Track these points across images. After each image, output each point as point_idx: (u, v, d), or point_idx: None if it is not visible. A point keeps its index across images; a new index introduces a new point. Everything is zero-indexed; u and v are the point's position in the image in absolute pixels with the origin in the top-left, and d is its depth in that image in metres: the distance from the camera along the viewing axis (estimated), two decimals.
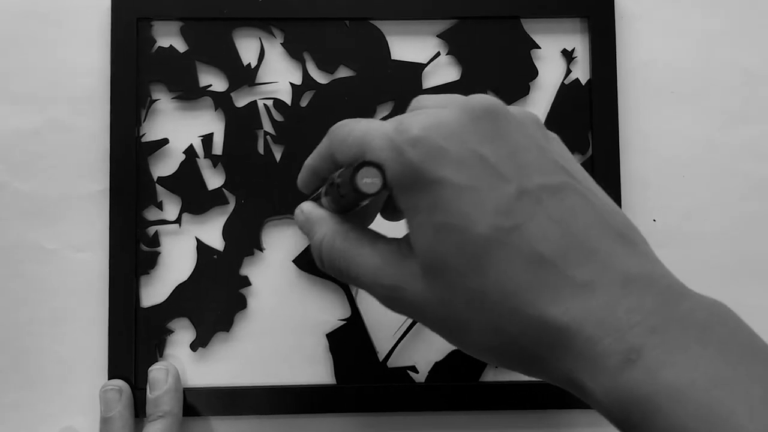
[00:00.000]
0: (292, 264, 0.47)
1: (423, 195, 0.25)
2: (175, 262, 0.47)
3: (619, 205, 0.47)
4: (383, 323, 0.47)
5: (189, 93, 0.47)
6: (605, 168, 0.47)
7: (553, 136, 0.29)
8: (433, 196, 0.24)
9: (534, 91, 0.48)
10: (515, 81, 0.48)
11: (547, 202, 0.24)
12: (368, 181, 0.25)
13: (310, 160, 0.33)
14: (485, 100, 0.26)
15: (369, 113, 0.47)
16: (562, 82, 0.48)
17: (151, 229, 0.47)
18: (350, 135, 0.28)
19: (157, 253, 0.47)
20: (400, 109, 0.47)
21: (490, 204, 0.24)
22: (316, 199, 0.36)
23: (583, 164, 0.47)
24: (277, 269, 0.47)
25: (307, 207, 0.33)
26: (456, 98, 0.28)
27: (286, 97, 0.48)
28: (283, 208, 0.47)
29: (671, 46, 0.49)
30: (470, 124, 0.25)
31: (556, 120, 0.48)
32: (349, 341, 0.47)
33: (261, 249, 0.47)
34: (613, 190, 0.47)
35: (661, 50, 0.49)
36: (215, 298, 0.47)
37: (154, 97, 0.47)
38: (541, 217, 0.24)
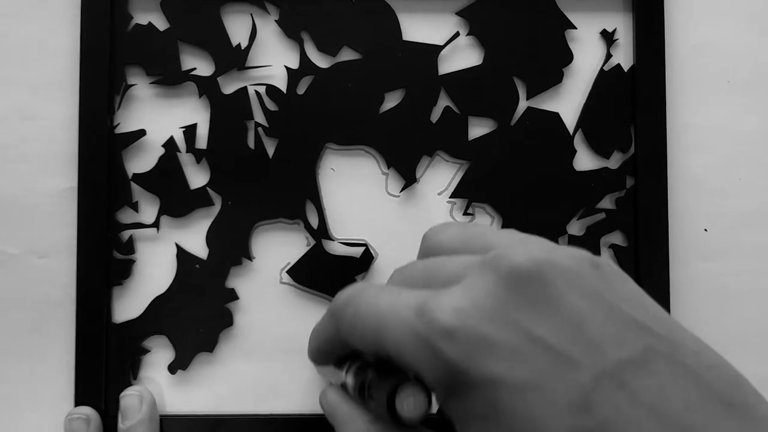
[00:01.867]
0: (286, 275, 0.46)
1: (473, 400, 0.22)
2: (153, 272, 0.46)
3: (666, 212, 0.46)
4: None
5: (170, 77, 0.46)
6: (650, 168, 0.46)
7: (617, 277, 0.25)
8: (488, 401, 0.21)
9: (568, 79, 0.47)
10: (546, 66, 0.47)
11: (632, 382, 0.21)
12: (410, 406, 0.23)
13: (316, 341, 0.31)
14: (524, 257, 0.23)
15: (376, 102, 0.46)
16: (601, 69, 0.47)
17: (125, 234, 0.46)
18: (359, 320, 0.25)
19: (132, 261, 0.46)
20: (411, 98, 0.46)
21: (562, 401, 0.21)
22: (343, 371, 0.33)
23: (625, 164, 0.46)
24: (268, 281, 0.46)
25: (332, 397, 0.30)
26: (486, 257, 0.24)
27: (281, 84, 0.46)
28: (276, 210, 0.46)
29: (728, 29, 0.48)
30: (513, 296, 0.22)
31: (593, 113, 0.47)
32: None
33: (250, 258, 0.46)
34: (659, 194, 0.46)
35: (716, 33, 0.48)
36: (197, 313, 0.46)
37: (129, 82, 0.46)
38: (628, 404, 0.21)
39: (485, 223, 0.47)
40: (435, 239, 0.29)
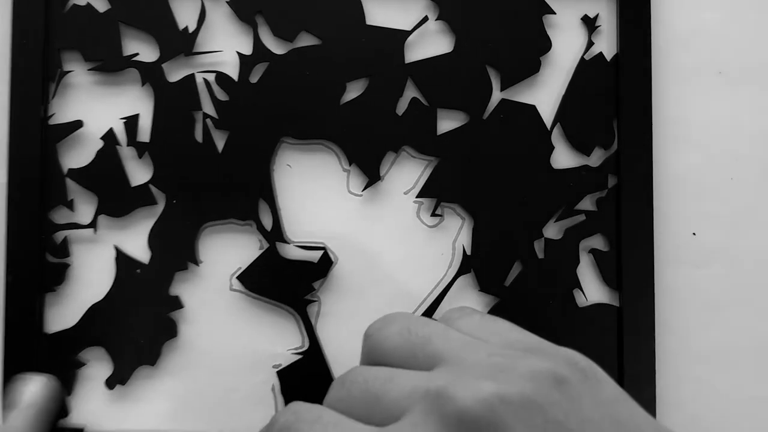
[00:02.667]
0: (237, 281, 0.46)
1: None
2: (89, 277, 0.46)
3: (651, 214, 0.45)
4: (349, 357, 0.45)
5: (110, 64, 0.46)
6: (634, 167, 0.45)
7: (588, 389, 0.24)
8: None
9: (546, 68, 0.47)
10: (522, 55, 0.46)
11: None
12: None
13: None
14: (471, 398, 0.22)
15: (337, 92, 0.45)
16: (582, 58, 0.47)
17: (59, 235, 0.45)
18: None
19: (66, 266, 0.45)
20: (375, 88, 0.46)
21: None
22: None
23: (607, 161, 0.46)
24: (216, 288, 0.46)
25: None
26: (430, 392, 0.23)
27: (232, 71, 0.46)
28: (226, 210, 0.45)
29: (720, 16, 0.48)
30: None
31: (572, 105, 0.46)
32: (305, 379, 0.45)
33: (197, 262, 0.46)
34: (644, 194, 0.45)
35: (707, 20, 0.48)
36: (138, 323, 0.45)
37: (65, 68, 0.46)
38: None
39: (455, 224, 0.46)
40: (378, 344, 0.27)
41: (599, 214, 0.46)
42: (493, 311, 0.46)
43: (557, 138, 0.46)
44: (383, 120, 0.46)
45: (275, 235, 0.45)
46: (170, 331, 0.45)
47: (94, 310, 0.45)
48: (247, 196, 0.45)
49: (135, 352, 0.45)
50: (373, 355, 0.27)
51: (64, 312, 0.45)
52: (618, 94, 0.46)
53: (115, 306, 0.45)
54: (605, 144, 0.46)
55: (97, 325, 0.45)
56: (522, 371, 0.23)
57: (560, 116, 0.46)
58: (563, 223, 0.46)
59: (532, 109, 0.46)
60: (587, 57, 0.46)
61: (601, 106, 0.46)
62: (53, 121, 0.45)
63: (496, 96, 0.46)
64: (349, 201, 0.46)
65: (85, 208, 0.46)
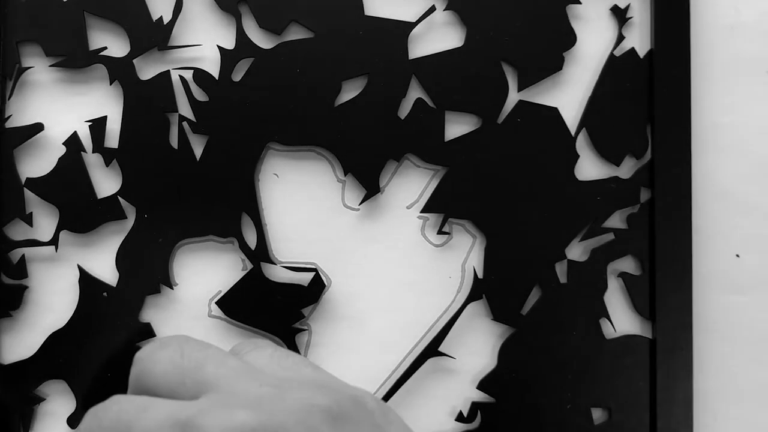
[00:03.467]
0: (216, 307, 0.45)
1: None
2: (49, 301, 0.45)
3: (689, 232, 0.44)
4: None
5: (74, 59, 0.45)
6: (670, 179, 0.45)
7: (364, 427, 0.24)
8: None
9: (570, 66, 0.46)
10: (543, 50, 0.45)
11: None
12: None
13: None
14: (219, 429, 0.23)
15: (331, 92, 0.45)
16: (611, 54, 0.46)
17: (16, 253, 0.45)
18: None
19: (24, 288, 0.45)
20: (374, 87, 0.45)
21: None
22: None
23: (639, 172, 0.45)
24: (193, 314, 0.45)
25: None
26: (178, 421, 0.23)
27: (213, 68, 0.45)
28: (205, 226, 0.45)
29: (767, 6, 0.47)
30: None
31: (600, 108, 0.45)
32: None
33: (171, 285, 0.45)
34: (681, 210, 0.45)
35: (753, 12, 0.47)
36: (105, 353, 0.44)
37: (24, 64, 0.45)
38: None
39: (465, 243, 0.45)
40: (147, 369, 0.26)
41: (630, 232, 0.45)
42: (509, 343, 0.44)
43: (582, 145, 0.46)
44: (384, 124, 0.45)
45: (260, 254, 0.44)
46: None
47: (54, 338, 0.45)
48: (229, 209, 0.44)
49: (101, 387, 0.44)
50: (140, 383, 0.27)
51: (21, 340, 0.45)
52: (652, 96, 0.45)
53: (79, 334, 0.45)
54: (637, 152, 0.45)
55: (58, 356, 0.44)
56: (291, 403, 0.23)
57: (586, 120, 0.45)
58: (589, 243, 0.45)
59: (554, 112, 0.45)
60: (617, 53, 0.46)
61: (633, 109, 0.45)
62: (10, 124, 0.45)
63: (513, 97, 0.45)
64: (345, 216, 0.45)
65: (45, 223, 0.45)
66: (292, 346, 0.44)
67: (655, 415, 0.43)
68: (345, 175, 0.45)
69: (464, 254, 0.45)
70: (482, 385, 0.43)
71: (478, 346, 0.44)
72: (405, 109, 0.45)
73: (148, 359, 0.26)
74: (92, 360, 0.44)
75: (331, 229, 0.45)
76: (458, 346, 0.44)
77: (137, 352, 0.27)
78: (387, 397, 0.44)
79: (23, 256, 0.44)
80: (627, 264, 0.45)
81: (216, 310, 0.44)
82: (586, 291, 0.44)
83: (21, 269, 0.44)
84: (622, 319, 0.45)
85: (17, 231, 0.44)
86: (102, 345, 0.44)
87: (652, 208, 0.44)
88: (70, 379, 0.44)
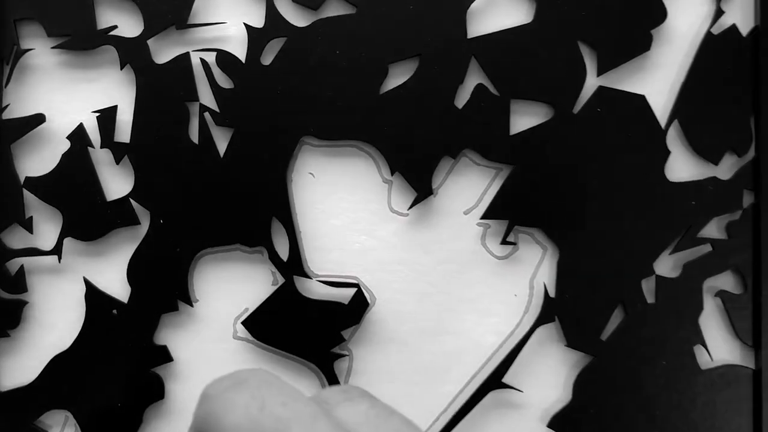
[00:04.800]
0: (242, 327, 0.44)
1: None
2: (52, 319, 0.45)
3: None
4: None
5: (80, 40, 0.45)
6: None
7: None
8: None
9: (659, 46, 0.45)
10: (627, 28, 0.44)
11: None
12: None
13: None
14: None
15: (376, 77, 0.44)
16: (708, 32, 0.45)
17: (14, 264, 0.45)
18: None
19: (23, 303, 0.45)
20: (426, 72, 0.43)
21: None
22: None
23: (741, 172, 0.44)
24: (216, 336, 0.45)
25: None
26: None
27: (239, 50, 0.45)
28: (230, 233, 0.44)
29: None
30: None
31: (695, 96, 0.44)
32: None
33: (191, 302, 0.45)
34: None
35: None
36: (114, 380, 0.44)
37: (23, 46, 0.45)
38: None
39: (533, 255, 0.43)
40: (215, 415, 0.25)
41: (730, 243, 0.44)
42: (585, 373, 0.43)
43: (674, 140, 0.45)
44: (437, 115, 0.44)
45: (293, 266, 0.44)
46: (155, 391, 0.45)
47: (57, 362, 0.45)
48: (258, 214, 0.44)
49: (109, 418, 0.44)
50: (206, 428, 0.26)
51: (20, 363, 0.45)
52: (758, 82, 0.44)
53: (85, 357, 0.44)
54: (739, 149, 0.44)
55: (61, 382, 0.44)
56: None
57: (678, 111, 0.44)
58: (681, 256, 0.44)
59: (641, 100, 0.44)
60: (715, 31, 0.45)
61: (734, 98, 0.44)
62: (7, 115, 0.45)
63: (591, 83, 0.44)
64: (391, 222, 0.45)
65: (46, 229, 0.45)
66: (331, 375, 0.43)
67: None
68: (392, 174, 0.44)
69: (532, 268, 0.44)
70: (554, 423, 0.43)
71: (548, 377, 0.43)
72: (463, 98, 0.44)
73: (218, 401, 0.25)
74: (100, 388, 0.44)
75: (375, 238, 0.44)
76: (525, 376, 0.43)
77: (206, 387, 0.26)
78: None
79: (22, 266, 0.45)
80: (726, 281, 0.44)
81: (242, 331, 0.44)
82: (678, 312, 0.43)
83: (20, 282, 0.45)
84: (720, 345, 0.44)
85: (15, 238, 0.45)
86: (111, 370, 0.44)
87: (756, 215, 0.43)
88: (75, 410, 0.44)
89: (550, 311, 0.42)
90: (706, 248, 0.43)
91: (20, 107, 0.45)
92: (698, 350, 0.42)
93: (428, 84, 0.44)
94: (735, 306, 0.43)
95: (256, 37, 0.44)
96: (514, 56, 0.44)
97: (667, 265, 0.44)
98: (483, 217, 0.44)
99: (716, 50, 0.44)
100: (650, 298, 0.42)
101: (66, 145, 0.44)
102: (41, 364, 0.44)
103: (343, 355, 0.43)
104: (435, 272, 0.43)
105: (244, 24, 0.44)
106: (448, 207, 0.44)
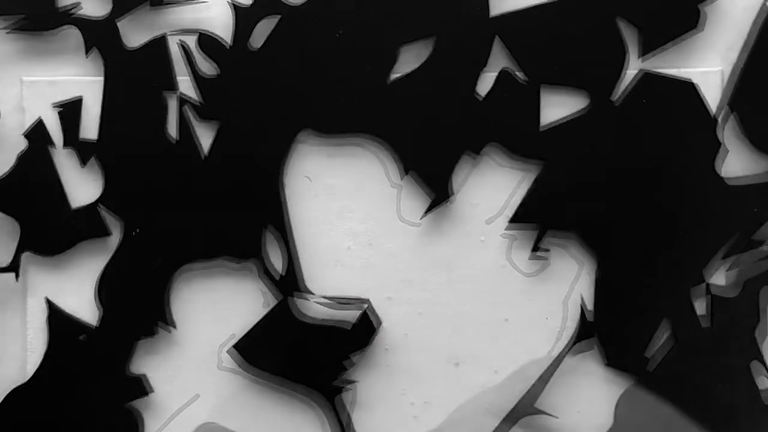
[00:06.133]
0: (228, 355, 0.44)
1: None
2: (8, 346, 0.44)
3: None
4: None
5: (38, 20, 0.44)
6: None
7: None
8: None
9: (712, 24, 0.44)
10: (673, 2, 0.43)
11: None
12: None
13: None
14: None
15: (384, 62, 0.42)
16: (764, 4, 0.44)
17: None
18: None
19: None
20: (444, 56, 0.42)
21: None
22: None
23: None
24: (199, 365, 0.44)
25: None
26: None
27: (224, 32, 0.43)
28: (215, 245, 0.43)
29: None
30: None
31: (754, 82, 0.43)
32: None
33: (169, 326, 0.43)
34: None
35: None
36: (82, 417, 0.43)
37: None
38: None
39: (568, 270, 0.42)
40: None
41: None
42: (628, 397, 0.42)
43: (730, 134, 0.43)
44: (456, 105, 0.42)
45: (288, 283, 0.43)
46: (131, 429, 0.44)
47: (16, 396, 0.44)
48: (247, 223, 0.42)
49: None
50: None
51: None
52: None
53: (48, 390, 0.44)
54: None
55: (19, 420, 0.44)
56: None
57: (736, 100, 0.43)
58: (738, 265, 0.43)
59: (690, 88, 0.43)
60: None
61: None
62: None
63: (633, 67, 0.43)
64: (401, 233, 0.44)
65: (1, 242, 0.45)
66: (333, 410, 0.42)
67: None
68: (402, 177, 0.43)
69: (567, 286, 0.43)
70: None
71: (587, 402, 0.42)
72: (486, 85, 0.43)
73: None
74: (66, 425, 0.43)
75: (382, 251, 0.44)
76: (562, 400, 0.41)
77: None
78: None
79: None
80: None
81: (228, 361, 0.44)
82: (735, 329, 0.43)
83: None
84: None
85: None
86: (79, 406, 0.43)
87: None
88: None
89: (588, 329, 0.41)
90: (763, 253, 0.43)
91: None
92: (757, 369, 0.42)
93: (445, 70, 0.43)
94: None
95: (243, 17, 0.43)
96: (543, 37, 0.44)
97: (721, 276, 0.44)
98: (511, 222, 0.43)
99: None
100: (701, 312, 0.42)
101: (22, 144, 0.44)
102: None
103: (348, 388, 0.41)
104: (451, 292, 0.43)
105: (229, 1, 0.43)
106: (467, 214, 0.44)
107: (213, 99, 0.44)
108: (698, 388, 0.42)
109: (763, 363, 0.42)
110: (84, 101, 0.44)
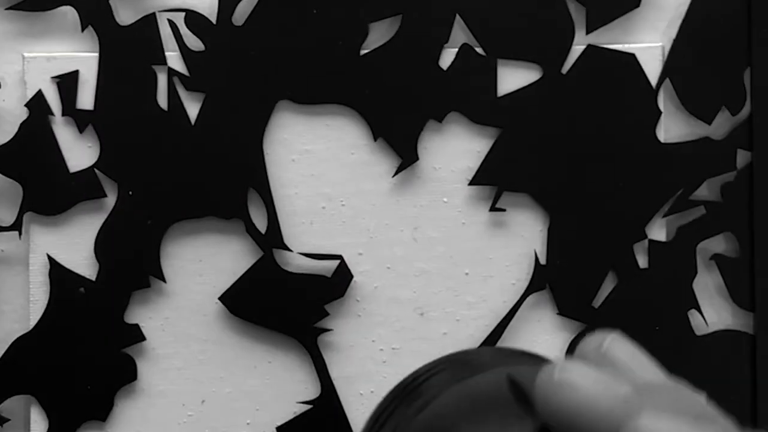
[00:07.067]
0: (218, 305, 0.45)
1: None
2: (12, 299, 0.46)
3: None
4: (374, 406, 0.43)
5: (36, 0, 0.45)
6: None
7: None
8: None
9: (649, 1, 0.46)
10: None
11: None
12: None
13: None
14: None
15: (356, 36, 0.45)
16: None
17: None
18: None
19: None
20: (410, 30, 0.44)
21: None
22: None
23: (735, 131, 0.46)
24: (190, 314, 0.45)
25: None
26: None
27: (209, 9, 0.45)
28: (203, 204, 0.44)
29: None
30: None
31: (686, 54, 0.45)
32: None
33: (162, 278, 0.45)
34: None
35: None
36: (82, 362, 0.44)
37: None
38: None
39: (524, 223, 0.44)
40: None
41: (725, 205, 0.45)
42: (578, 341, 0.43)
43: (666, 100, 0.46)
44: (422, 76, 0.44)
45: (272, 238, 0.45)
46: (127, 372, 0.45)
47: (19, 345, 0.45)
48: (232, 184, 0.44)
49: (78, 403, 0.44)
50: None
51: None
52: (750, 37, 0.45)
53: (50, 339, 0.45)
54: (733, 107, 0.45)
55: (23, 366, 0.45)
56: None
57: (670, 69, 0.45)
58: (674, 219, 0.45)
59: (631, 59, 0.45)
60: None
61: (727, 54, 0.45)
62: None
63: (580, 41, 0.45)
64: (371, 194, 0.45)
65: (4, 203, 0.46)
66: (314, 350, 0.44)
67: (757, 425, 0.43)
68: (375, 139, 0.45)
69: (521, 242, 0.46)
70: None
71: (541, 346, 0.44)
72: (448, 57, 0.45)
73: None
74: (67, 370, 0.45)
75: (357, 208, 0.45)
76: (517, 345, 0.43)
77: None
78: None
79: None
80: (721, 244, 0.46)
81: (215, 310, 0.45)
82: (672, 277, 0.45)
83: None
84: (715, 311, 0.45)
85: None
86: (79, 352, 0.45)
87: (751, 176, 0.45)
88: (40, 395, 0.45)
89: (541, 279, 0.44)
90: (700, 211, 0.45)
91: None
92: (693, 315, 0.45)
93: (411, 44, 0.44)
94: (730, 270, 0.45)
95: None
96: (500, 14, 0.45)
97: (660, 229, 0.45)
98: (471, 183, 0.45)
99: (709, 5, 0.45)
100: (643, 263, 0.44)
101: (23, 113, 0.45)
102: (1, 347, 0.44)
103: (327, 330, 0.44)
104: (416, 248, 0.45)
105: None
106: (433, 174, 0.45)
107: (199, 72, 0.45)
108: (638, 325, 0.44)
109: (694, 299, 0.44)
110: (80, 74, 0.45)
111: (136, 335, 0.45)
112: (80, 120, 0.45)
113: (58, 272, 0.45)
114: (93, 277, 0.45)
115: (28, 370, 0.45)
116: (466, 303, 0.45)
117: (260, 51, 0.45)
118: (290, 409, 0.45)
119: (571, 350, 0.44)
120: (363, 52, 0.45)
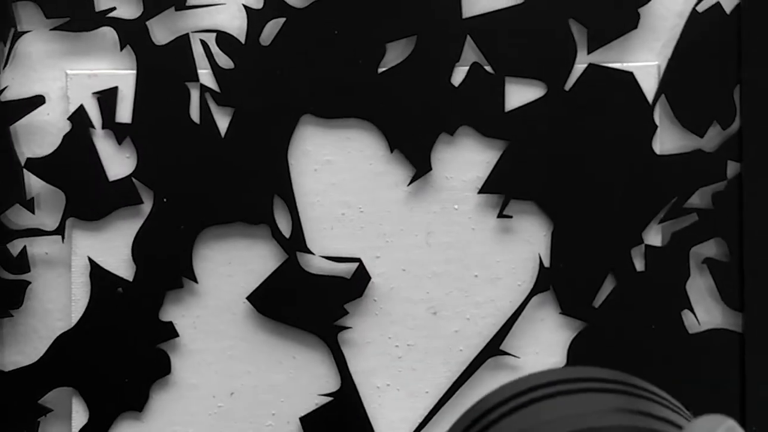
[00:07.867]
0: (246, 304, 0.46)
1: None
2: (56, 299, 0.46)
3: None
4: (392, 399, 0.46)
5: (79, 21, 0.46)
6: (761, 150, 0.45)
7: None
8: None
9: (647, 23, 0.46)
10: (615, 6, 0.46)
11: None
12: None
13: None
14: None
15: (374, 56, 0.46)
16: (693, 9, 0.46)
17: (16, 245, 0.46)
18: None
19: (26, 284, 0.46)
20: (423, 50, 0.45)
21: None
22: None
23: (726, 144, 0.46)
24: (220, 312, 0.46)
25: None
26: None
27: (238, 31, 0.46)
28: (232, 211, 0.46)
29: None
30: None
31: (681, 72, 0.46)
32: (336, 429, 0.45)
33: (194, 279, 0.46)
34: None
35: None
36: (120, 357, 0.46)
37: (21, 28, 0.46)
38: None
39: (529, 228, 0.46)
40: None
41: (716, 213, 0.46)
42: (579, 339, 0.45)
43: (662, 114, 0.46)
44: (435, 92, 0.46)
45: (295, 242, 0.46)
46: (162, 367, 0.46)
47: (62, 341, 0.46)
48: (259, 192, 0.46)
49: (116, 395, 0.46)
50: None
51: (24, 343, 0.46)
52: (740, 57, 0.45)
53: (90, 335, 0.46)
54: (723, 121, 0.46)
55: (66, 361, 0.46)
56: None
57: (665, 86, 0.46)
58: (669, 225, 0.46)
59: (629, 77, 0.46)
60: (700, 8, 0.46)
61: (719, 72, 0.46)
62: (6, 97, 0.46)
63: (582, 60, 0.46)
64: (388, 202, 0.46)
65: (49, 209, 0.46)
66: (335, 346, 0.45)
67: (745, 421, 0.44)
68: (391, 151, 0.46)
69: (527, 247, 0.46)
70: None
71: (544, 343, 0.45)
72: (459, 75, 0.45)
73: None
74: (106, 364, 0.45)
75: (374, 215, 0.46)
76: (522, 343, 0.45)
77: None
78: (442, 402, 0.45)
79: (24, 247, 0.45)
80: (712, 248, 0.46)
81: (243, 309, 0.46)
82: (667, 280, 0.45)
83: (22, 263, 0.45)
84: (707, 311, 0.45)
85: (17, 219, 0.46)
86: (117, 347, 0.46)
87: (740, 185, 0.45)
88: (81, 388, 0.45)
89: (545, 281, 0.45)
90: (693, 218, 0.45)
91: (19, 89, 0.46)
92: (686, 315, 0.45)
93: (425, 63, 0.45)
94: (721, 272, 0.45)
95: (255, 18, 0.45)
96: (507, 35, 0.45)
97: (655, 235, 0.45)
98: (480, 192, 0.45)
99: (701, 27, 0.45)
100: (640, 267, 0.45)
101: (67, 126, 0.45)
102: (45, 344, 0.45)
103: (347, 328, 0.45)
104: (429, 252, 0.46)
105: (243, 5, 0.45)
106: (445, 183, 0.46)
107: (229, 88, 0.45)
108: (634, 324, 0.45)
109: (687, 300, 0.45)
110: (119, 90, 0.46)
111: (170, 332, 0.45)
112: (119, 132, 0.46)
113: (98, 273, 0.45)
114: (130, 278, 0.46)
115: (70, 364, 0.45)
116: (476, 303, 0.45)
117: (285, 69, 0.45)
118: (312, 401, 0.46)
119: (573, 348, 0.44)
120: (380, 70, 0.45)
